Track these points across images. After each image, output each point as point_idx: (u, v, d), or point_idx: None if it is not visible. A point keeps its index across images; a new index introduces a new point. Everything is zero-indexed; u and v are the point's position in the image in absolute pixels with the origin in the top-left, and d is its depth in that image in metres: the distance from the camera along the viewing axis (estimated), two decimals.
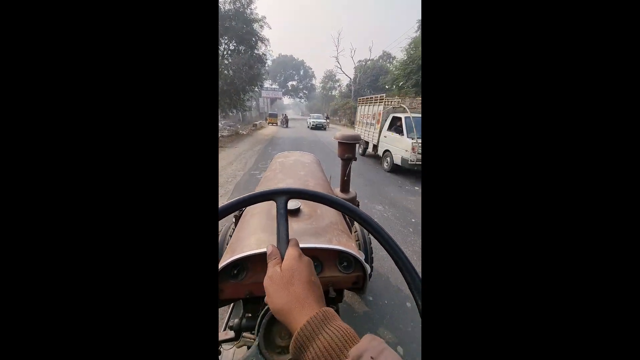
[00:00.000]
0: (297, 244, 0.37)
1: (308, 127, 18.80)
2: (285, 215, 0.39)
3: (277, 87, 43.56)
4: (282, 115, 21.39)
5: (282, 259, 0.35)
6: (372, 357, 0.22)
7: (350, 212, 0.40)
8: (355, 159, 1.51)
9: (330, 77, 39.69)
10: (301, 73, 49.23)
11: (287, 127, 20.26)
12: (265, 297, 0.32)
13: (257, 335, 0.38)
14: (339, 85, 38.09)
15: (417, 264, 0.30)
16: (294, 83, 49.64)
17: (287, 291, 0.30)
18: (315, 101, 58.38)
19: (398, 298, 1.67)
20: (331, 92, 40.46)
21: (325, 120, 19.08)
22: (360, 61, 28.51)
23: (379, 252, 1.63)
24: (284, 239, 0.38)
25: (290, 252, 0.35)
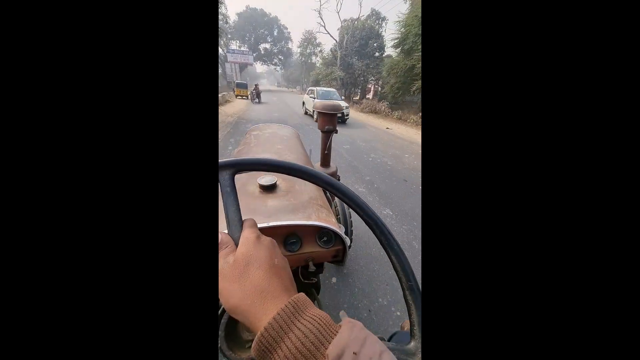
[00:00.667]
0: (254, 225, 0.31)
1: (305, 112, 11.06)
2: (234, 193, 0.34)
3: (247, 49, 36.18)
4: (254, 86, 16.53)
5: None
6: (354, 353, 0.20)
7: (311, 177, 0.35)
8: (337, 131, 1.38)
9: (309, 40, 33.47)
10: (275, 34, 41.05)
11: (259, 102, 15.86)
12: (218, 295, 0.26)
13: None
14: (321, 51, 32.47)
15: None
16: (267, 46, 41.77)
17: (241, 284, 0.25)
18: (293, 69, 51.56)
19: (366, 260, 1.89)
20: (311, 59, 34.62)
21: (342, 102, 9.82)
22: (346, 20, 23.26)
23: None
24: (235, 222, 0.32)
25: (245, 236, 0.29)
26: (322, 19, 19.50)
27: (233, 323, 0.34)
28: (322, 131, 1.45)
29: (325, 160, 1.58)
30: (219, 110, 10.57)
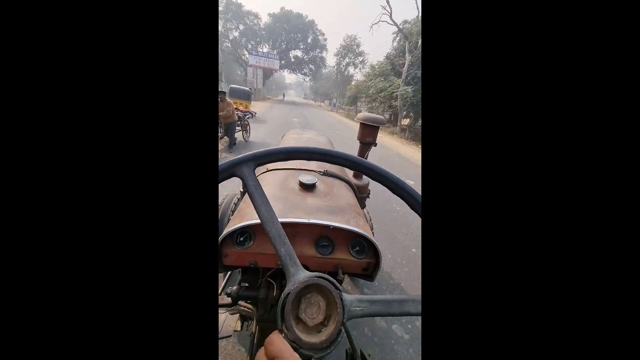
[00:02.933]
0: (278, 339, 0.24)
1: None
2: (260, 189, 0.33)
3: (273, 52, 30.83)
4: (241, 108, 6.67)
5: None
6: None
7: (332, 157, 0.36)
8: (376, 145, 1.34)
9: (350, 47, 27.35)
10: (309, 40, 35.99)
11: (232, 149, 5.03)
12: None
13: (256, 307, 0.36)
14: (362, 61, 26.17)
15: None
16: (299, 53, 36.65)
17: None
18: (324, 81, 46.11)
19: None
20: (347, 71, 28.55)
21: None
22: (407, 22, 16.59)
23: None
24: (268, 219, 0.32)
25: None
26: (388, 2, 12.97)
27: (296, 305, 0.29)
28: (361, 142, 1.35)
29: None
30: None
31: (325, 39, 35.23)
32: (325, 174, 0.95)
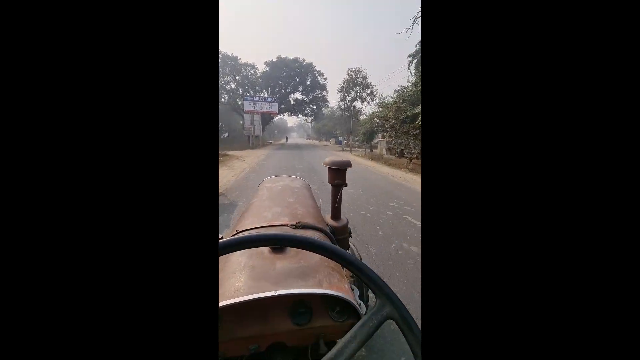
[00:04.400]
0: None
1: None
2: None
3: (270, 97, 29.07)
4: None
5: None
6: None
7: (346, 262, 0.36)
8: (346, 185, 1.40)
9: (354, 81, 25.39)
10: (308, 83, 35.30)
11: None
12: None
13: None
14: (372, 93, 23.80)
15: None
16: (299, 96, 35.70)
17: None
18: (326, 121, 44.72)
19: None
20: (353, 106, 26.29)
21: None
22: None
23: None
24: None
25: None
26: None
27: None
28: (332, 185, 1.40)
29: (336, 214, 1.51)
30: None
31: (325, 79, 34.39)
32: (297, 226, 0.87)
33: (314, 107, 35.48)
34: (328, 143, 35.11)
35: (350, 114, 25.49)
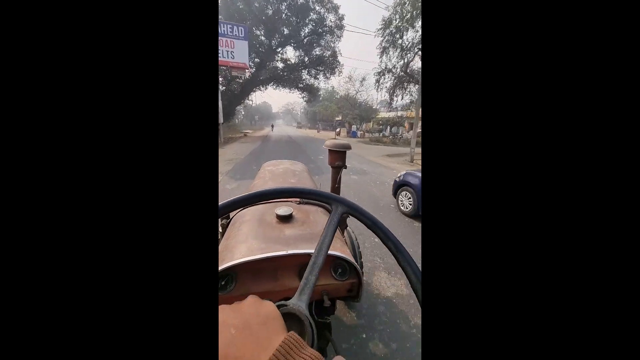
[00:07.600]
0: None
1: None
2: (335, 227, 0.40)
3: (238, 29, 12.04)
4: None
5: None
6: None
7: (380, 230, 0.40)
8: (346, 167, 1.52)
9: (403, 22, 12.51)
10: (307, 30, 19.21)
11: None
12: None
13: None
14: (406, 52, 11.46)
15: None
16: (290, 54, 20.86)
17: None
18: (327, 102, 31.88)
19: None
20: (404, 68, 13.90)
21: None
22: None
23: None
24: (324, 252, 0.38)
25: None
26: None
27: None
28: (332, 167, 1.50)
29: (336, 193, 1.68)
30: None
31: (341, 18, 19.82)
32: (301, 202, 0.97)
33: (320, 70, 20.37)
34: (335, 134, 22.82)
35: (406, 76, 13.04)
